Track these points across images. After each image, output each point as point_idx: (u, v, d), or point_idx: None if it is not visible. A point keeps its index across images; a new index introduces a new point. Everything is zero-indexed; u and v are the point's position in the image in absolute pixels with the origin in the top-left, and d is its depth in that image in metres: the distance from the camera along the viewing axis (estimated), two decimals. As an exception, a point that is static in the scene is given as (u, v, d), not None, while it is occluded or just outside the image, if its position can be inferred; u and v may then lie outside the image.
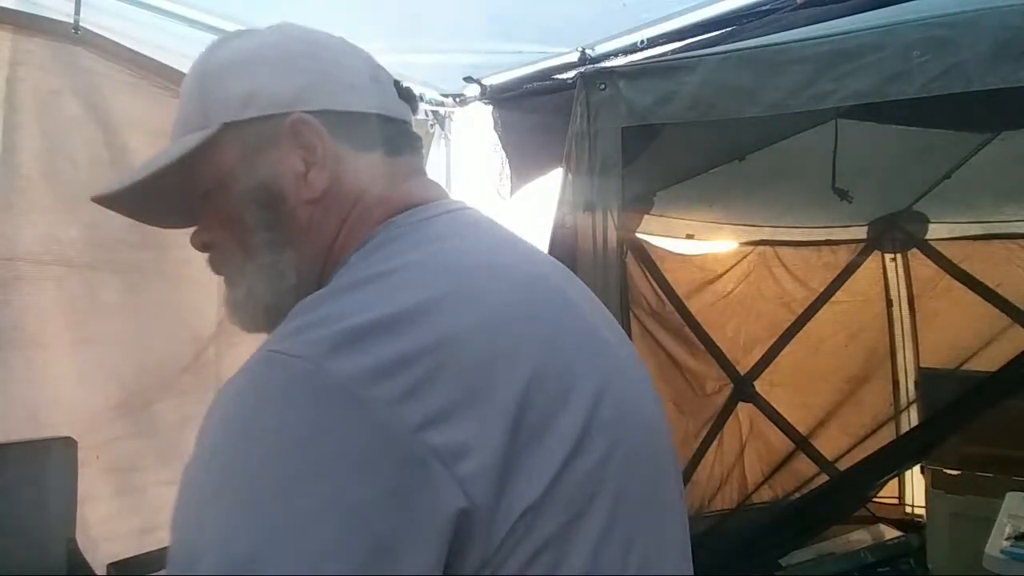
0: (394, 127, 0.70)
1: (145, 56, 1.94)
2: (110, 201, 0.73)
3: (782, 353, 3.56)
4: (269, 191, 0.66)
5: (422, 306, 0.52)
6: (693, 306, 3.34)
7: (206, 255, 0.75)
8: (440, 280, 0.56)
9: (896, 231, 3.61)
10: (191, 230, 0.76)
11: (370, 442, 0.46)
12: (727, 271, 3.67)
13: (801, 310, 3.61)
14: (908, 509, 3.62)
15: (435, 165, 2.87)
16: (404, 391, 0.47)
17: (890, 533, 2.99)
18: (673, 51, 1.97)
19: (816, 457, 3.49)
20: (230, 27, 2.08)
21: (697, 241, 3.48)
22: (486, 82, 2.50)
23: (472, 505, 0.46)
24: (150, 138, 1.98)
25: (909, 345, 3.69)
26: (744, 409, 3.49)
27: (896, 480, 3.57)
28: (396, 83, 0.73)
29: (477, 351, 0.51)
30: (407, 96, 0.74)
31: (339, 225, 0.66)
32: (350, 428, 0.46)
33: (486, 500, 0.46)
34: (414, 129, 0.74)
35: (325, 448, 0.46)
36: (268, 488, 0.45)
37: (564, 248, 1.72)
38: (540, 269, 0.66)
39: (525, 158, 2.29)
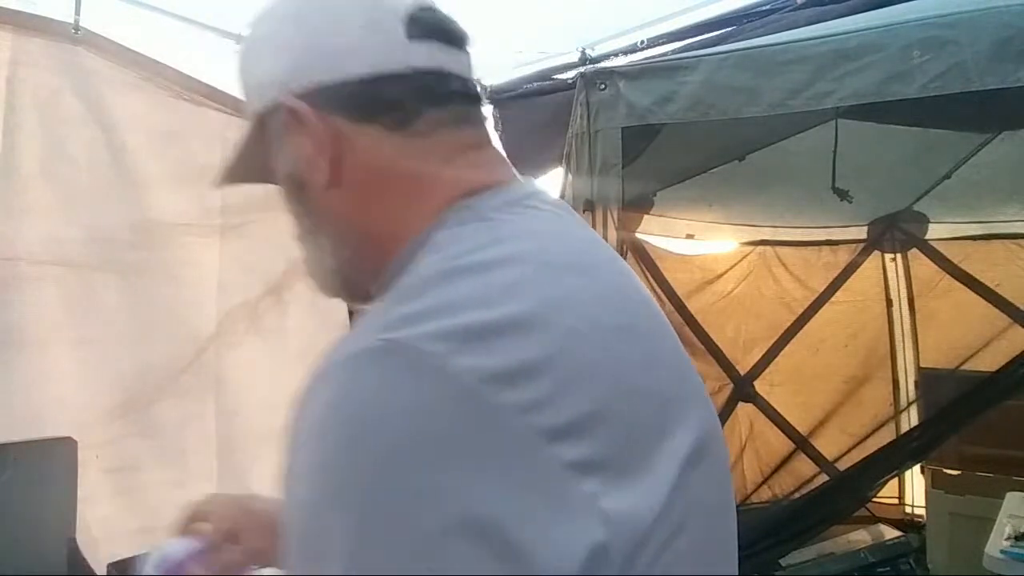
0: (405, 83, 0.58)
1: (145, 56, 1.94)
2: (223, 183, 0.72)
3: (782, 353, 3.57)
4: (293, 179, 0.62)
5: (540, 308, 0.48)
6: (693, 306, 3.34)
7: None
8: (551, 280, 0.52)
9: (896, 231, 3.61)
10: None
11: (505, 453, 0.42)
12: (727, 271, 3.67)
13: (801, 310, 3.61)
14: (908, 509, 3.62)
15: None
16: (534, 401, 0.44)
17: (890, 533, 2.99)
18: (673, 51, 1.97)
19: (816, 457, 3.49)
20: (230, 27, 2.08)
21: (697, 241, 3.48)
22: (486, 82, 2.50)
23: (609, 535, 0.43)
24: (150, 138, 1.98)
25: (909, 345, 3.69)
26: (744, 409, 3.50)
27: (896, 480, 3.58)
28: (409, 19, 0.58)
29: (594, 363, 0.48)
30: (426, 31, 0.58)
31: (372, 206, 0.60)
32: (484, 435, 0.42)
33: (618, 516, 0.44)
34: (450, 72, 0.60)
35: (457, 455, 0.42)
36: (392, 499, 0.41)
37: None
38: (624, 276, 0.62)
39: (525, 158, 2.29)
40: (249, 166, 0.67)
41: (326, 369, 0.48)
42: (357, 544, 0.41)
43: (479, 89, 0.64)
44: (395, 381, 0.44)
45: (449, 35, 0.60)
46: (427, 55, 0.58)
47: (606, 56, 2.23)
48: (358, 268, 0.63)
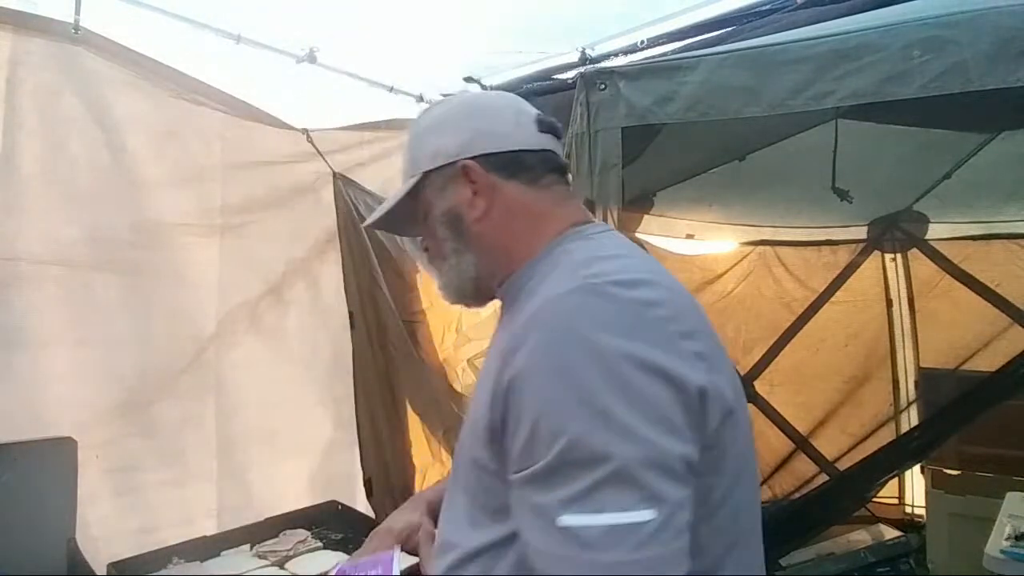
0: (535, 156, 0.97)
1: (145, 56, 1.94)
2: (374, 226, 1.07)
3: (782, 353, 3.56)
4: (452, 214, 0.96)
5: (650, 276, 0.81)
6: (693, 306, 3.33)
7: (424, 254, 1.04)
8: (648, 265, 0.87)
9: (896, 231, 3.61)
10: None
11: (664, 340, 0.74)
12: (727, 271, 3.67)
13: (801, 310, 3.61)
14: (908, 509, 3.62)
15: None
16: (668, 316, 0.76)
17: (890, 533, 2.99)
18: (673, 51, 1.97)
19: (816, 457, 3.49)
20: (230, 27, 2.08)
21: (697, 241, 3.48)
22: (486, 82, 2.50)
23: (709, 387, 0.74)
24: (149, 138, 1.98)
25: (909, 345, 3.69)
26: (744, 409, 3.49)
27: (896, 480, 3.57)
28: (537, 120, 0.98)
29: (685, 307, 0.81)
30: (546, 128, 0.99)
31: (511, 232, 0.94)
32: (651, 329, 0.74)
33: (713, 389, 0.75)
34: (556, 152, 1.00)
35: (641, 338, 0.73)
36: (609, 364, 0.71)
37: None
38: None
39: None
40: (399, 212, 1.01)
41: (545, 304, 0.78)
42: (595, 390, 0.70)
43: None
44: (597, 302, 0.76)
45: (556, 131, 1.01)
46: (547, 141, 0.98)
47: (606, 56, 2.23)
48: (492, 276, 0.97)
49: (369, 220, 1.07)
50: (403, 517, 1.10)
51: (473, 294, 0.99)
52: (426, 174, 0.97)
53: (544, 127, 0.98)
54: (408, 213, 1.01)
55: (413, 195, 0.99)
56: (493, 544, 0.79)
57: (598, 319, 0.74)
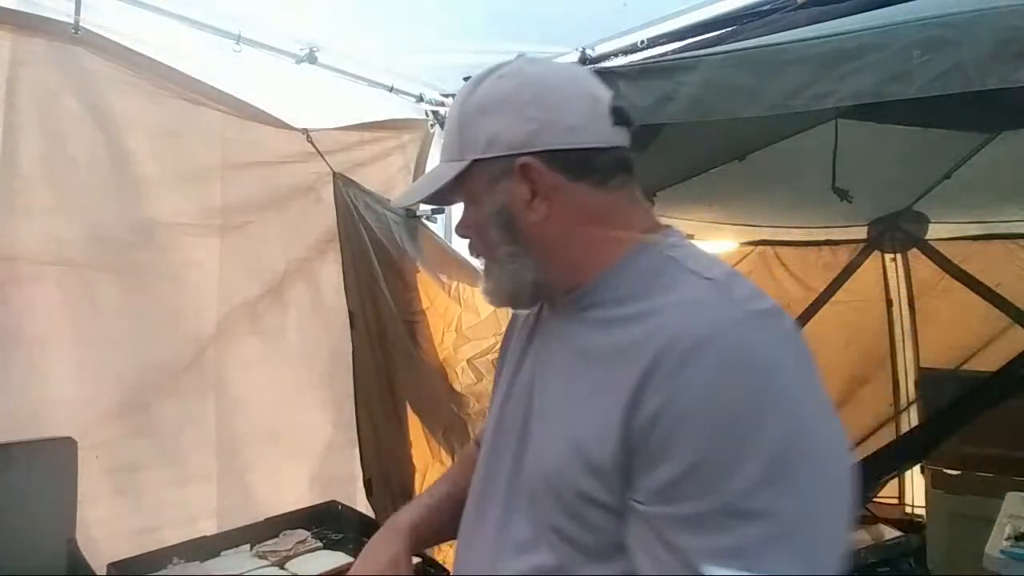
0: (607, 155, 0.84)
1: (145, 56, 1.93)
2: (408, 203, 0.99)
3: (782, 353, 3.56)
4: (505, 214, 0.84)
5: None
6: (693, 306, 3.33)
7: (466, 240, 0.92)
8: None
9: (896, 231, 3.61)
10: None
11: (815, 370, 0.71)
12: (727, 271, 3.66)
13: (801, 310, 3.61)
14: (908, 509, 3.62)
15: (435, 165, 2.87)
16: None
17: (890, 533, 2.99)
18: (673, 51, 1.97)
19: (816, 457, 3.48)
20: (230, 27, 2.08)
21: (697, 241, 3.48)
22: (486, 82, 2.50)
23: None
24: (150, 138, 1.98)
25: (909, 345, 3.69)
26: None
27: (896, 480, 3.58)
28: (613, 110, 0.84)
29: None
30: (622, 120, 0.85)
31: (576, 240, 0.83)
32: (811, 360, 0.71)
33: None
34: (627, 148, 0.88)
35: (812, 372, 0.70)
36: (820, 410, 0.68)
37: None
38: None
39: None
40: (442, 192, 0.87)
41: (711, 335, 0.68)
42: (815, 422, 0.67)
43: None
44: (789, 331, 0.71)
45: (628, 121, 0.86)
46: (620, 137, 0.85)
47: (606, 56, 2.22)
48: (554, 283, 0.86)
49: (401, 200, 0.99)
50: (384, 550, 1.00)
51: (530, 299, 0.89)
52: (475, 161, 0.83)
53: (619, 119, 0.84)
54: (448, 191, 0.88)
55: (457, 179, 0.86)
56: None
57: (784, 353, 0.69)
